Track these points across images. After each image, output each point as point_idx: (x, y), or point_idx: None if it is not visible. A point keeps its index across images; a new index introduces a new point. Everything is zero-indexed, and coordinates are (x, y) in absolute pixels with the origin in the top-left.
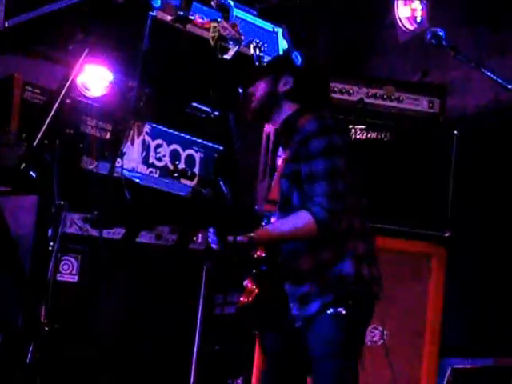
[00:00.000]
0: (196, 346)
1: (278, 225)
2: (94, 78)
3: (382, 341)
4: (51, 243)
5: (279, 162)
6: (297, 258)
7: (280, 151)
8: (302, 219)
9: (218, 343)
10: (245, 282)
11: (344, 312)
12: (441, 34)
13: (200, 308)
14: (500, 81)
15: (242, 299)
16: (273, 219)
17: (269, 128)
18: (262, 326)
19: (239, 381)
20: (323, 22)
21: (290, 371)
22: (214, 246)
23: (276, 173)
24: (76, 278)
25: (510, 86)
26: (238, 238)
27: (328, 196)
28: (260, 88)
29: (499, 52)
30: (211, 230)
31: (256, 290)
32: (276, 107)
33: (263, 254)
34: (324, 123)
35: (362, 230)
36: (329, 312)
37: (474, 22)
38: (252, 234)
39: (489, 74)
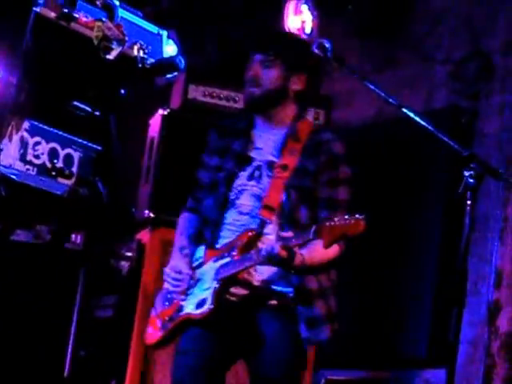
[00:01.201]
0: (70, 347)
1: (317, 255)
2: None
3: None
4: None
5: (261, 156)
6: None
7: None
8: (333, 251)
9: (91, 346)
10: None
11: None
12: (327, 45)
13: (76, 310)
14: (383, 94)
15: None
16: (270, 227)
17: (153, 132)
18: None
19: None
20: (211, 29)
21: None
22: (270, 249)
23: (272, 177)
24: None
25: (391, 100)
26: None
27: None
28: (270, 77)
29: (390, 65)
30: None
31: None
32: (280, 104)
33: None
34: (344, 145)
35: None
36: None
37: (365, 35)
38: (303, 256)
39: (372, 87)
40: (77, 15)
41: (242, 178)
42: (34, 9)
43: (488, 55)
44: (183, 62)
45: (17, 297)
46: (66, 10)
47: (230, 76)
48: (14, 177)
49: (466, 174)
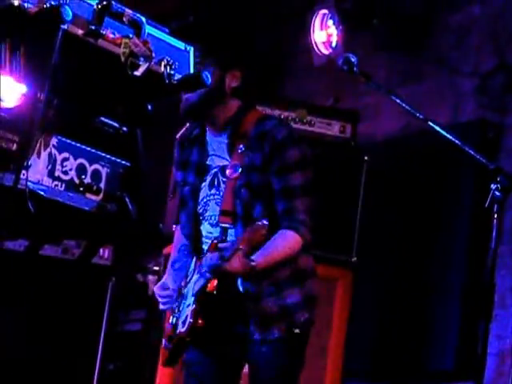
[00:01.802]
0: (98, 361)
1: (271, 251)
2: (7, 90)
3: None
4: None
5: (215, 163)
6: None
7: (213, 154)
8: (292, 242)
9: (120, 360)
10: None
11: None
12: (353, 60)
13: (104, 324)
14: (409, 109)
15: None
16: (233, 232)
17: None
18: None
19: None
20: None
21: None
22: (207, 270)
23: (226, 181)
24: None
25: (418, 114)
26: (234, 265)
27: (308, 213)
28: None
29: (416, 79)
30: (214, 255)
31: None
32: (220, 104)
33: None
34: (292, 129)
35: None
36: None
37: (390, 49)
38: (253, 264)
39: (398, 101)
40: (104, 32)
41: (205, 188)
42: (62, 26)
43: None
44: (210, 77)
45: (46, 311)
46: (93, 27)
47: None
48: (42, 193)
49: (493, 187)
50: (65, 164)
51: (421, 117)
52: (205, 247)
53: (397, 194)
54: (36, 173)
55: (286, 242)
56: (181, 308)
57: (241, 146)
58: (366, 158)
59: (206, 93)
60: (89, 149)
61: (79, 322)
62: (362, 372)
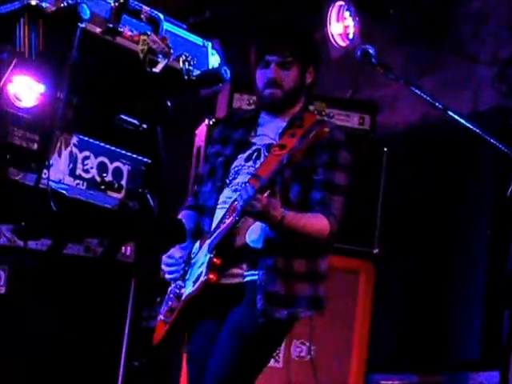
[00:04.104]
0: (123, 358)
1: (302, 217)
2: (25, 89)
3: (308, 356)
4: None
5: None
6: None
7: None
8: (322, 224)
9: (144, 357)
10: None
11: None
12: (371, 51)
13: (128, 321)
14: (429, 99)
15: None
16: None
17: (199, 141)
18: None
19: None
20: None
21: None
22: (241, 203)
23: (267, 153)
24: (3, 290)
25: (437, 104)
26: (269, 206)
27: (341, 212)
28: (290, 77)
29: (435, 68)
30: (252, 188)
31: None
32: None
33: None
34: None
35: None
36: None
37: (407, 39)
38: (284, 214)
39: (418, 92)
40: (122, 30)
41: (240, 160)
42: (80, 25)
43: None
44: (229, 72)
45: (70, 309)
46: (111, 25)
47: None
48: (64, 192)
49: None
50: (86, 162)
51: (440, 106)
52: (216, 215)
53: (417, 184)
54: (57, 172)
55: (317, 220)
56: (189, 276)
57: (295, 132)
58: (385, 149)
59: (291, 89)
60: (109, 147)
61: (103, 320)
62: (387, 363)
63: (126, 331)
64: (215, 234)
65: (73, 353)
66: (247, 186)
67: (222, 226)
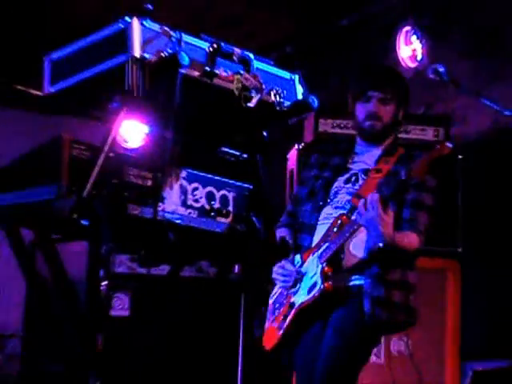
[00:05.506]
0: (239, 373)
1: (403, 235)
2: (132, 131)
3: (407, 350)
4: (103, 282)
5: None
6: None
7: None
8: (413, 239)
9: (259, 373)
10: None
11: None
12: (441, 69)
13: (241, 336)
14: (497, 108)
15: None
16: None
17: (291, 165)
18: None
19: None
20: (332, 66)
21: None
22: (365, 218)
23: (366, 178)
24: (128, 313)
25: (506, 112)
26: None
27: (425, 227)
28: (389, 112)
29: (498, 81)
30: (375, 195)
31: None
32: (391, 132)
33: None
34: None
35: None
36: None
37: (470, 56)
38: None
39: (487, 102)
40: (217, 71)
41: (340, 181)
42: (181, 70)
43: None
44: (316, 101)
45: (187, 324)
46: (207, 69)
47: None
48: (178, 221)
49: None
50: (195, 193)
51: (510, 114)
52: (318, 231)
53: (491, 191)
54: (171, 204)
55: (411, 237)
56: (301, 285)
57: (389, 159)
58: (459, 156)
59: (388, 123)
60: (215, 177)
61: (220, 332)
62: (479, 352)
63: (241, 341)
64: (324, 247)
65: (194, 364)
66: (371, 200)
67: (333, 239)
